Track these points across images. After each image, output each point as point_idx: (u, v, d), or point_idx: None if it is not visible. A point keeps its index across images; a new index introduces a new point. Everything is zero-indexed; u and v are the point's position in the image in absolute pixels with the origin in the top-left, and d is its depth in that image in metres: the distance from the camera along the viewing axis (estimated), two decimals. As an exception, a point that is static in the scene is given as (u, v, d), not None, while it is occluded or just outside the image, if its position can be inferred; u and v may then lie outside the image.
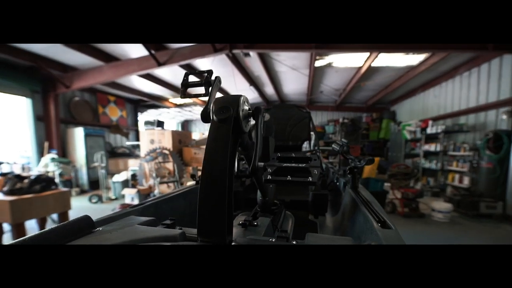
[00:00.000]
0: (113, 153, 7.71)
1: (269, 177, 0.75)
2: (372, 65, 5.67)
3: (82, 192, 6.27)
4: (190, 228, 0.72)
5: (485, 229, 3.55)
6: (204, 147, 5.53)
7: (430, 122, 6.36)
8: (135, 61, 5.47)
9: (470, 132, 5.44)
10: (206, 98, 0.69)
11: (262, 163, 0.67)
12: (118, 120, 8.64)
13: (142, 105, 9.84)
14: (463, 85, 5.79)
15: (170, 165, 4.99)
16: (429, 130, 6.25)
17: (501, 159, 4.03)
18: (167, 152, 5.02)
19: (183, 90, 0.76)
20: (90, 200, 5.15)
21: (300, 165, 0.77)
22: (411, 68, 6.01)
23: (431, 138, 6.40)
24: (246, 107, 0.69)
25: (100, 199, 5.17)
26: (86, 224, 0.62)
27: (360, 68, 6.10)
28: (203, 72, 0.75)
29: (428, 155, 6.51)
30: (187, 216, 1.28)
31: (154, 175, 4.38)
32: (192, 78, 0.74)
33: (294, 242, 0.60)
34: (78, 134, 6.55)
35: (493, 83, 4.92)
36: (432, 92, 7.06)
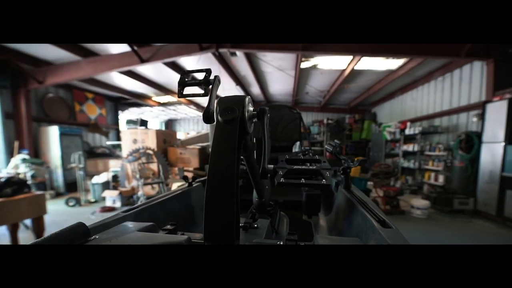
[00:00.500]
0: (92, 153, 7.32)
1: (282, 180, 0.74)
2: (355, 68, 5.88)
3: (58, 195, 5.88)
4: (193, 233, 0.69)
5: (458, 224, 3.81)
6: (190, 147, 5.38)
7: (408, 124, 6.71)
8: (115, 57, 5.23)
9: (444, 133, 5.81)
10: (195, 98, 0.67)
11: (272, 166, 0.66)
12: (97, 118, 8.21)
13: (123, 103, 9.44)
14: (438, 89, 6.17)
15: (154, 166, 4.83)
16: (407, 131, 6.59)
17: (472, 159, 4.35)
18: (151, 152, 4.85)
19: (180, 89, 0.73)
20: (67, 203, 4.84)
21: (311, 167, 0.77)
22: (390, 72, 6.31)
23: (409, 139, 6.75)
24: (251, 108, 0.68)
25: (78, 202, 4.88)
26: (81, 232, 0.57)
27: (343, 70, 6.29)
28: (202, 71, 0.73)
29: (406, 154, 6.86)
30: (182, 219, 1.24)
31: (137, 176, 4.21)
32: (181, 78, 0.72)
33: (302, 243, 0.60)
34: (52, 133, 6.13)
35: (464, 88, 5.29)
36: (410, 95, 7.44)
